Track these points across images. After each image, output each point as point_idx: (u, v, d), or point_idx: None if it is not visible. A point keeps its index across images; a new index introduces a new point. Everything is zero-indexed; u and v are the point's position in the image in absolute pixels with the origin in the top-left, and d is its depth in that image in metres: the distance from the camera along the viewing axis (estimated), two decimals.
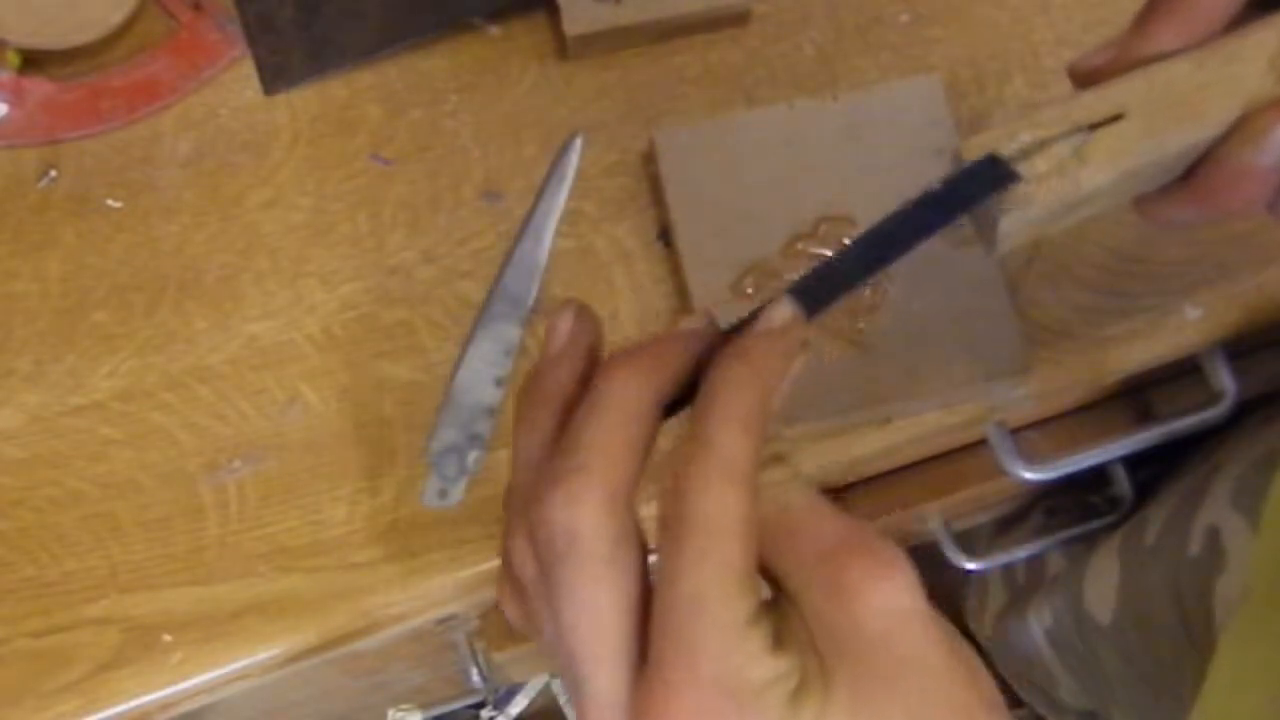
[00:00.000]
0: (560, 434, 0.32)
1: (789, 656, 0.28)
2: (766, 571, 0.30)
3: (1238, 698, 0.48)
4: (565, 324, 0.34)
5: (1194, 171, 0.37)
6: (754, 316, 0.33)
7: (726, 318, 0.34)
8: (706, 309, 0.34)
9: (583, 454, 0.30)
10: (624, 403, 0.31)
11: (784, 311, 0.33)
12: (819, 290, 0.34)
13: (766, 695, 0.27)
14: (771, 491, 0.31)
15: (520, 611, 0.34)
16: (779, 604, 0.30)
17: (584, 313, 0.34)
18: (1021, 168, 0.35)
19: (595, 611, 0.29)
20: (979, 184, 0.35)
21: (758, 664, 0.28)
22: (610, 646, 0.29)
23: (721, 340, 0.33)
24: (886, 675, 0.28)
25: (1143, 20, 0.36)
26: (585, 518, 0.29)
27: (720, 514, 0.28)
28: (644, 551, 0.30)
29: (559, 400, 0.33)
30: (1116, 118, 0.35)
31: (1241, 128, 0.35)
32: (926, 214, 0.35)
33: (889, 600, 0.28)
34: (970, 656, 0.30)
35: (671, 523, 0.29)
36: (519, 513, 0.32)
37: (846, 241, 0.35)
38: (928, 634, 0.29)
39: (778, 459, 0.32)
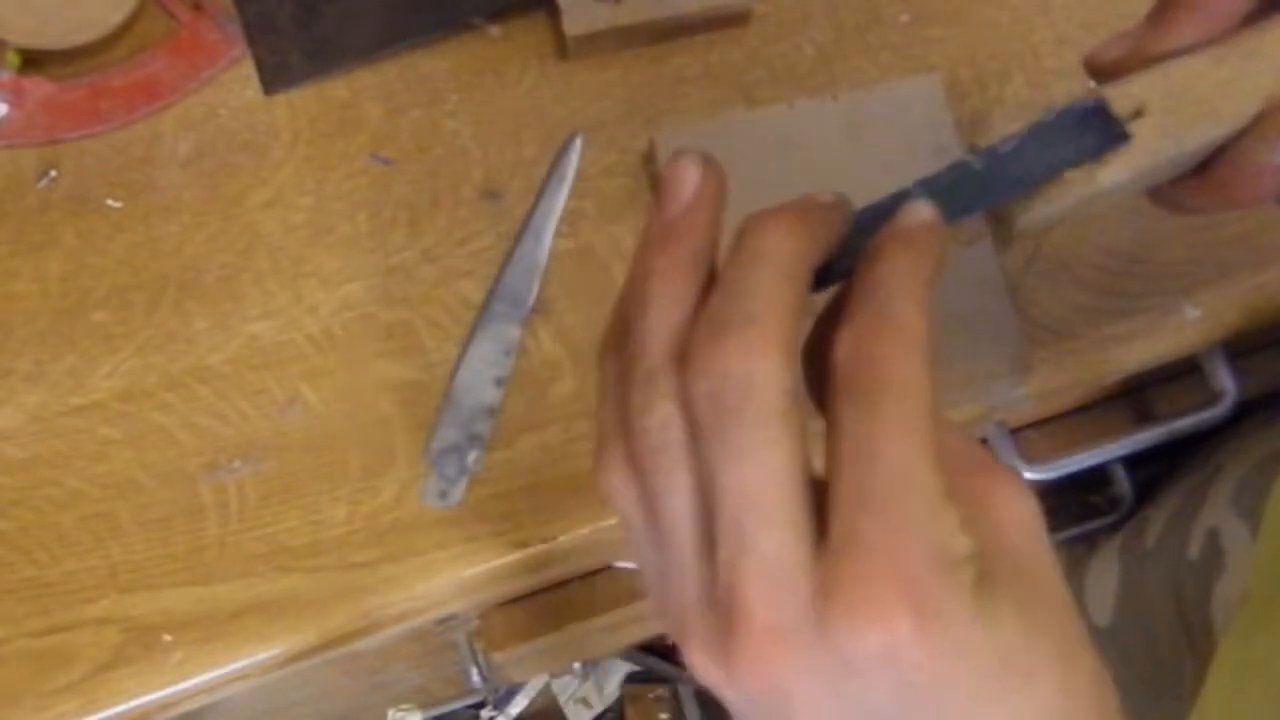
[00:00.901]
0: (710, 287, 0.29)
1: (970, 539, 0.27)
2: None
3: (1237, 699, 0.48)
4: (692, 174, 0.31)
5: (1209, 165, 0.36)
6: (888, 206, 0.31)
7: None
8: (837, 193, 0.31)
9: (754, 303, 0.27)
10: (785, 258, 0.28)
11: (927, 212, 0.31)
12: (947, 200, 0.32)
13: (963, 570, 0.26)
14: None
15: (635, 490, 0.29)
16: None
17: (711, 162, 0.31)
18: None
19: (770, 470, 0.26)
20: (1089, 132, 0.34)
21: (957, 538, 0.26)
22: (788, 508, 0.26)
23: (854, 226, 0.31)
24: (1038, 592, 0.28)
25: (1159, 14, 0.35)
26: (763, 369, 0.27)
27: (918, 385, 0.27)
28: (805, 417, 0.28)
29: (702, 252, 0.30)
30: (1136, 114, 0.34)
31: (1260, 125, 0.34)
32: (1041, 150, 0.34)
33: (1029, 520, 0.28)
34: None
35: (862, 390, 0.27)
36: (663, 372, 0.28)
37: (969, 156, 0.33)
38: (1052, 561, 0.29)
39: None
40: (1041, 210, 0.35)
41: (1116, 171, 0.34)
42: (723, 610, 0.26)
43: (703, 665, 0.27)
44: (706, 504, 0.27)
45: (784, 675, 0.26)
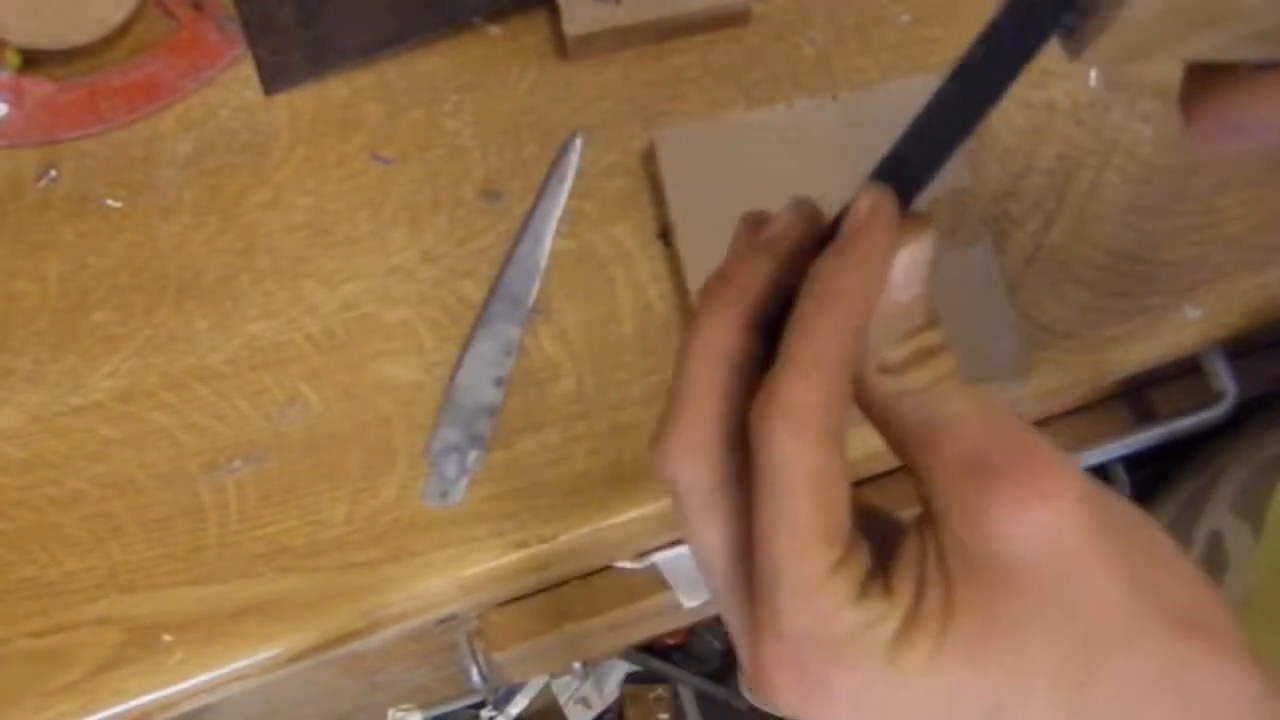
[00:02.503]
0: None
1: (882, 601, 0.27)
2: (917, 487, 0.28)
3: None
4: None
5: None
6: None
7: None
8: (804, 198, 0.30)
9: (671, 406, 0.29)
10: (703, 346, 0.29)
11: (861, 206, 0.29)
12: (908, 169, 0.29)
13: (856, 644, 0.27)
14: (912, 400, 0.29)
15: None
16: (900, 537, 0.29)
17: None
18: None
19: (705, 549, 0.29)
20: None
21: (839, 615, 0.27)
22: (722, 580, 0.29)
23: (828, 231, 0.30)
24: (1026, 613, 0.26)
25: None
26: (677, 470, 0.29)
27: (786, 470, 0.27)
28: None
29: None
30: None
31: None
32: (998, 55, 0.28)
33: (1039, 526, 0.26)
34: (1161, 578, 0.28)
35: (754, 478, 0.28)
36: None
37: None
38: (1097, 572, 0.26)
39: (923, 355, 0.29)
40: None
41: None
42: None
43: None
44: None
45: (782, 689, 0.28)
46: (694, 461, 0.28)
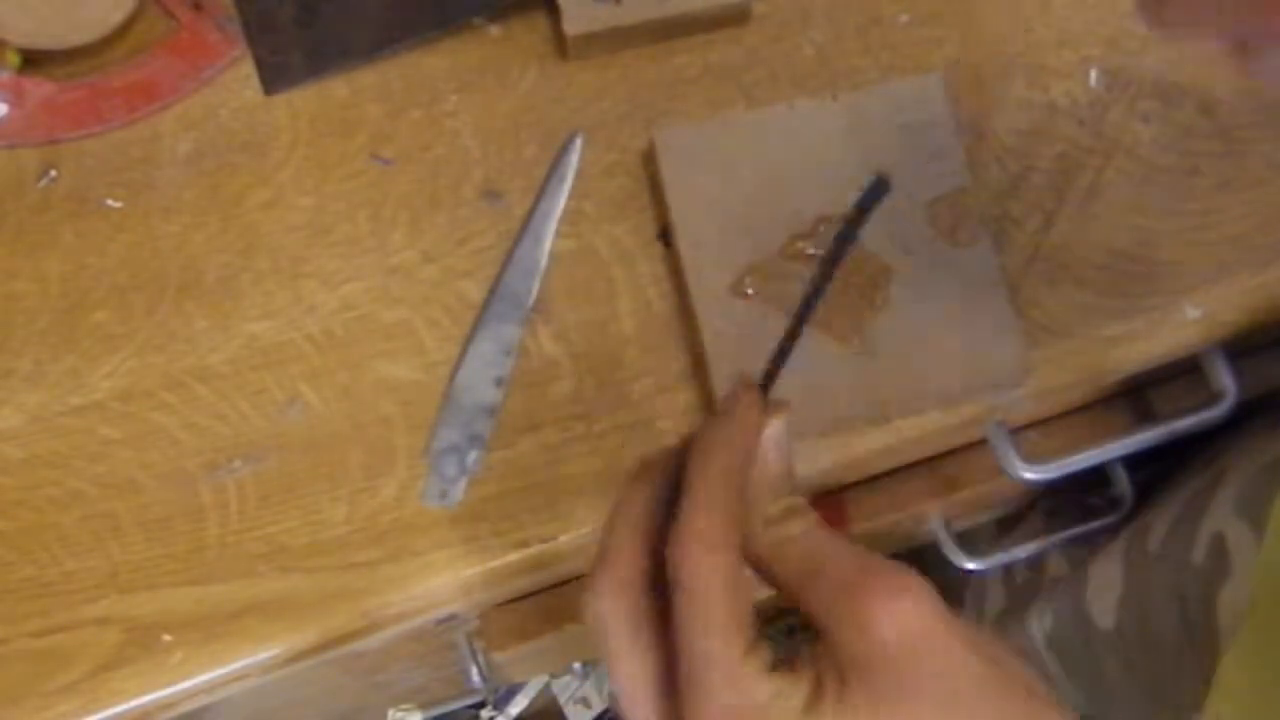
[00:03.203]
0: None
1: (792, 674, 0.34)
2: (802, 608, 0.35)
3: (1253, 709, 0.48)
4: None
5: None
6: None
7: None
8: (746, 377, 0.38)
9: (598, 556, 0.36)
10: (622, 510, 0.37)
11: (733, 394, 0.38)
12: (767, 370, 0.38)
13: (773, 708, 0.33)
14: (792, 543, 0.36)
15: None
16: (798, 636, 0.36)
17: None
18: None
19: (629, 677, 0.35)
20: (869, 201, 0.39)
21: (759, 684, 0.33)
22: (646, 704, 0.35)
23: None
24: (907, 690, 0.33)
25: None
26: (603, 607, 0.35)
27: (703, 579, 0.34)
28: (664, 621, 0.35)
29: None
30: None
31: None
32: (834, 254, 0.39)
33: (905, 620, 0.33)
34: (1003, 656, 0.34)
35: (674, 594, 0.34)
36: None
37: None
38: (949, 646, 0.33)
39: (792, 512, 0.36)
40: None
41: None
42: None
43: None
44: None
45: None
46: (617, 598, 0.35)
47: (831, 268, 0.39)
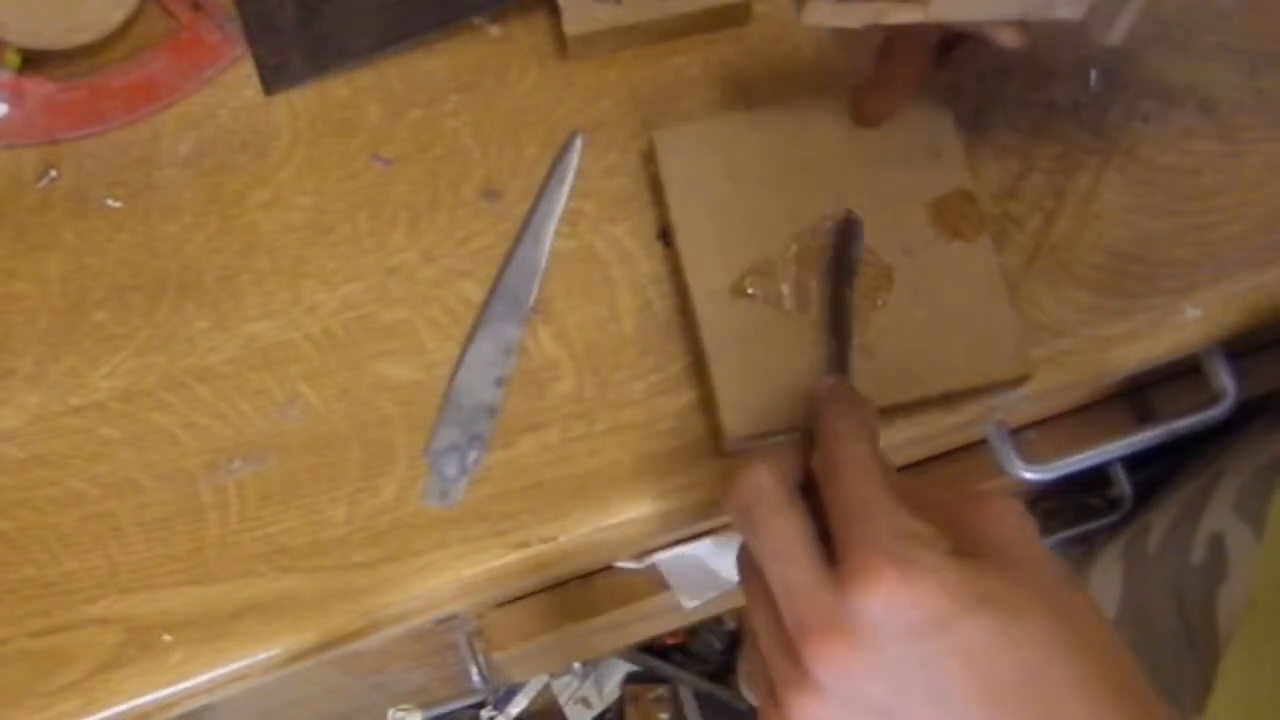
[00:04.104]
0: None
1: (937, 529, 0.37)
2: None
3: (1253, 709, 0.48)
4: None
5: None
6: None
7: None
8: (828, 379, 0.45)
9: (765, 455, 0.41)
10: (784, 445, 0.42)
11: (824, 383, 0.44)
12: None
13: (928, 539, 0.36)
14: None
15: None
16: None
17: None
18: None
19: (783, 536, 0.38)
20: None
21: (913, 523, 0.36)
22: (801, 557, 0.37)
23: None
24: (1016, 566, 0.36)
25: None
26: (764, 481, 0.39)
27: (859, 455, 0.39)
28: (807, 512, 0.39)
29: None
30: None
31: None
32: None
33: (1010, 523, 0.37)
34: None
35: (830, 470, 0.39)
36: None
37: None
38: (1038, 550, 0.37)
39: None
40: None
41: None
42: (791, 640, 0.36)
43: (793, 698, 0.36)
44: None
45: (842, 658, 0.35)
46: (778, 478, 0.39)
47: (842, 318, 0.47)
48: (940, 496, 0.38)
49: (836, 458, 0.39)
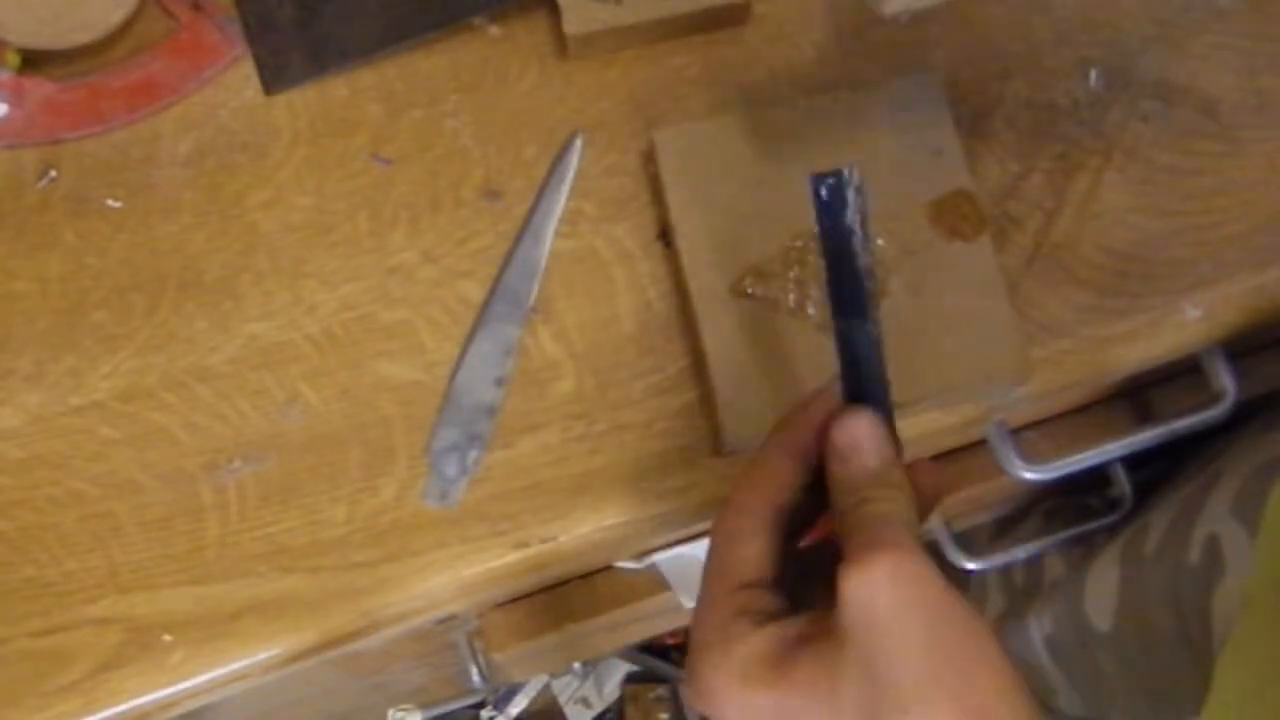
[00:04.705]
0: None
1: (754, 629, 0.37)
2: None
3: (1245, 709, 0.48)
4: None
5: None
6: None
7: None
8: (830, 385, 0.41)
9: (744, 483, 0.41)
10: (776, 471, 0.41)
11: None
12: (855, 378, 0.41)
13: (715, 650, 0.38)
14: (854, 515, 0.39)
15: None
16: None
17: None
18: None
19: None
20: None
21: (715, 627, 0.38)
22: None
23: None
24: (843, 658, 0.35)
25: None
26: (716, 522, 0.41)
27: (712, 533, 0.41)
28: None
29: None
30: None
31: None
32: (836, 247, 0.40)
33: (855, 590, 0.35)
34: (960, 642, 0.35)
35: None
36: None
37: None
38: (892, 630, 0.35)
39: (884, 485, 0.39)
40: None
41: None
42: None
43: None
44: None
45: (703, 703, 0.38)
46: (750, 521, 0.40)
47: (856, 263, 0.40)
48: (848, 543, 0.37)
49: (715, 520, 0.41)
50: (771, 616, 0.38)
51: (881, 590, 0.35)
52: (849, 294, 0.40)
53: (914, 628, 0.34)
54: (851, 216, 0.39)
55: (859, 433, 0.39)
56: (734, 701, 0.37)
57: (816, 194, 0.39)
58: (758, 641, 0.37)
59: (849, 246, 0.39)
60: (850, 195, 0.39)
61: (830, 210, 0.39)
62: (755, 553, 0.39)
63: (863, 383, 0.41)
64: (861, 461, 0.39)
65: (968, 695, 0.34)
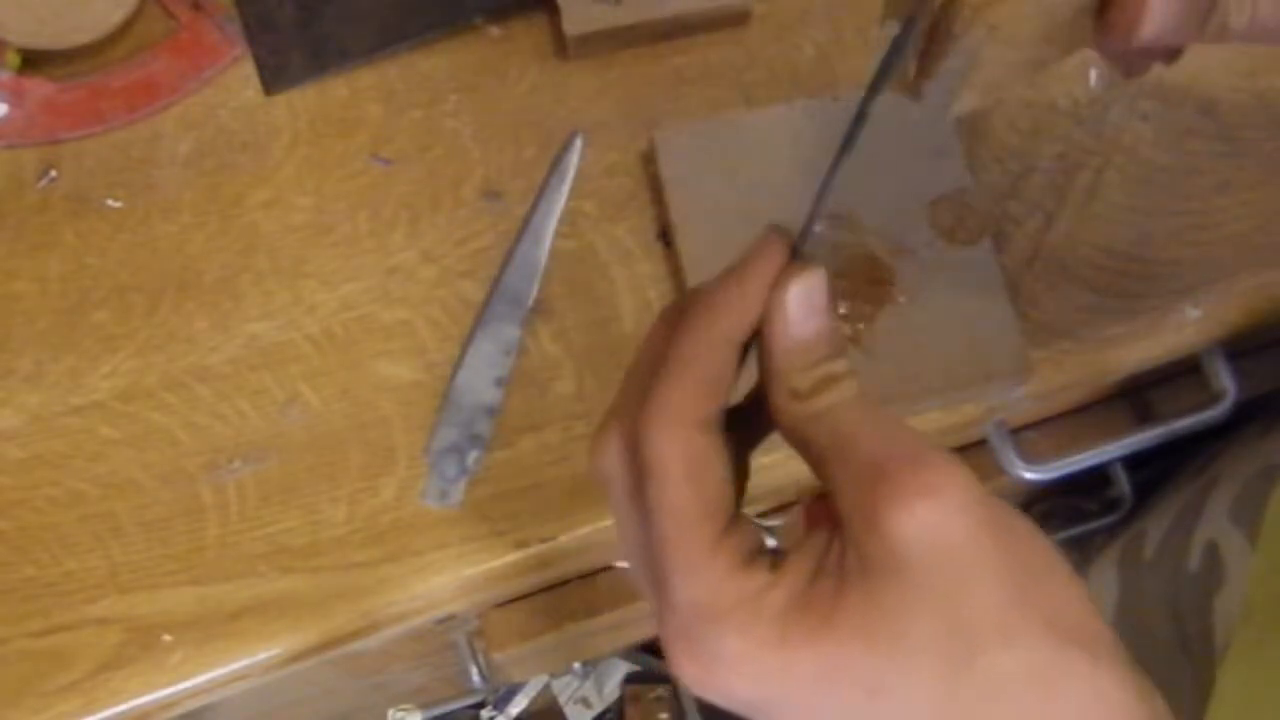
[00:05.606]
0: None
1: (767, 573, 0.30)
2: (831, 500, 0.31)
3: (1251, 713, 0.48)
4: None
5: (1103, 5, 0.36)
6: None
7: None
8: (778, 227, 0.33)
9: (608, 410, 0.32)
10: (636, 363, 0.33)
11: (752, 245, 0.33)
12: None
13: (741, 611, 0.29)
14: (818, 420, 0.31)
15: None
16: (802, 532, 0.32)
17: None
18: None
19: (623, 543, 0.31)
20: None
21: (723, 585, 0.29)
22: (639, 578, 0.31)
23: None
24: (907, 608, 0.28)
25: None
26: (602, 464, 0.32)
27: (661, 460, 0.30)
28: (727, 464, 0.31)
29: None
30: None
31: None
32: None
33: (924, 523, 0.28)
34: (1046, 591, 0.30)
35: (640, 475, 0.31)
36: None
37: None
38: (971, 563, 0.28)
39: (828, 381, 0.31)
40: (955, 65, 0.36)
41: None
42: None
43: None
44: None
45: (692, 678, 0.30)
46: (615, 457, 0.32)
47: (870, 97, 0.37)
48: (853, 463, 0.30)
49: (643, 439, 0.30)
50: (768, 554, 0.31)
51: (954, 518, 0.28)
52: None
53: (994, 556, 0.29)
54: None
55: (819, 300, 0.32)
56: (772, 669, 0.29)
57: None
58: (785, 589, 0.29)
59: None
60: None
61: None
62: (726, 477, 0.31)
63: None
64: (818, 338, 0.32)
65: (1061, 618, 0.29)
